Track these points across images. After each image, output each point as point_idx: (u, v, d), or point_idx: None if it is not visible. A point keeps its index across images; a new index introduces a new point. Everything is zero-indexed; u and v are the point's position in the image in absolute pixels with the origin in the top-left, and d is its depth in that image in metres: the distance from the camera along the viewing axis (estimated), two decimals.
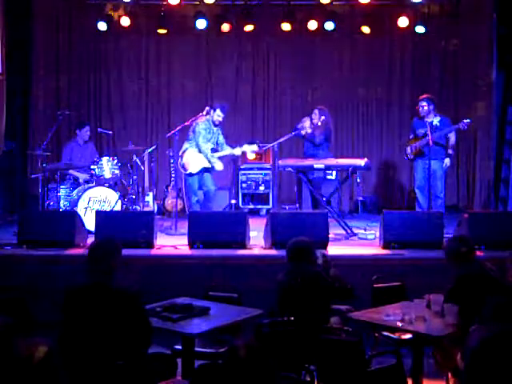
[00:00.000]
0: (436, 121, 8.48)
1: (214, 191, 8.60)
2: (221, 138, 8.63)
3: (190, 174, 8.49)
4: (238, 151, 8.60)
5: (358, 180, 9.26)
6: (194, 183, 8.51)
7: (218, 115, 8.49)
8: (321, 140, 8.78)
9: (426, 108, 8.52)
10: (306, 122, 8.76)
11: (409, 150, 8.72)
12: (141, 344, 4.18)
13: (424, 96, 8.71)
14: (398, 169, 10.92)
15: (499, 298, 3.75)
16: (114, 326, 4.09)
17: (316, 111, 8.79)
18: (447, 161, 8.58)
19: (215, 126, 8.54)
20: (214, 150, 8.56)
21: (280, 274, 5.08)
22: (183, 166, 8.50)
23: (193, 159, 8.46)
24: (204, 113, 8.49)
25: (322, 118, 8.61)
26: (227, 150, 8.60)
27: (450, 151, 8.59)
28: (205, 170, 8.50)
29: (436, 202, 8.44)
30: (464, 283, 4.74)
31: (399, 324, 4.64)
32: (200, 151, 8.43)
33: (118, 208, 8.27)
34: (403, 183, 10.89)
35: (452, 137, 8.59)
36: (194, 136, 8.49)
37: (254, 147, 8.70)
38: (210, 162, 8.45)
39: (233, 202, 9.10)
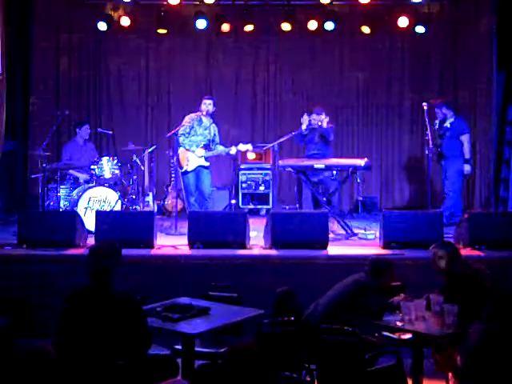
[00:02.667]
0: (447, 123, 8.72)
1: (208, 192, 8.52)
2: (216, 138, 8.60)
3: (186, 172, 8.46)
4: (233, 150, 8.46)
5: (358, 180, 9.26)
6: (190, 182, 8.44)
7: (203, 104, 8.46)
8: (332, 137, 8.79)
9: (439, 114, 8.91)
10: (305, 119, 8.70)
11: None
12: (140, 347, 4.17)
13: (436, 102, 9.04)
14: (398, 169, 10.91)
15: (498, 298, 3.76)
16: (113, 330, 4.09)
17: (314, 115, 8.74)
18: (467, 168, 8.82)
19: (207, 115, 8.45)
20: (206, 147, 8.49)
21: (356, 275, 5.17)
22: (178, 164, 8.48)
23: (187, 157, 8.44)
24: (204, 113, 8.49)
25: (326, 119, 8.59)
26: (219, 150, 8.51)
27: (466, 156, 8.78)
28: (201, 167, 8.46)
29: (446, 198, 8.82)
30: (455, 283, 4.78)
31: (399, 324, 4.65)
32: (179, 143, 8.46)
33: (118, 208, 8.27)
34: (403, 183, 10.88)
35: (465, 140, 8.78)
36: None
37: (249, 146, 8.54)
38: (206, 159, 8.42)
39: (233, 202, 9.09)
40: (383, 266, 5.18)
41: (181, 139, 8.43)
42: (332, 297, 5.08)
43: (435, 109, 8.96)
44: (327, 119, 8.65)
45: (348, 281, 5.15)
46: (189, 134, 8.44)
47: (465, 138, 8.79)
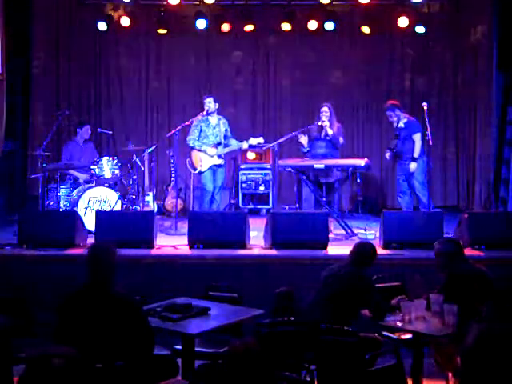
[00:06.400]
0: (401, 123, 8.63)
1: (217, 192, 8.56)
2: (228, 133, 8.64)
3: (200, 173, 8.50)
4: (245, 145, 8.56)
5: (358, 180, 9.25)
6: (206, 181, 8.50)
7: (204, 104, 8.50)
8: (341, 142, 8.78)
9: (394, 117, 8.77)
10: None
11: (388, 153, 8.94)
12: (143, 347, 4.16)
13: (387, 105, 8.93)
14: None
15: (499, 298, 3.76)
16: (112, 330, 4.08)
17: (326, 108, 8.65)
18: (412, 166, 8.62)
19: (212, 114, 8.49)
20: (218, 144, 8.54)
21: (335, 265, 5.24)
22: (191, 166, 8.53)
23: (200, 157, 8.48)
24: (204, 112, 8.51)
25: (335, 125, 8.61)
26: (234, 145, 8.58)
27: (414, 154, 8.63)
28: (215, 166, 8.50)
29: (420, 201, 8.66)
30: (455, 281, 4.79)
31: (399, 324, 4.65)
32: (190, 147, 8.51)
33: (118, 208, 8.27)
34: None
35: (416, 140, 8.63)
36: None
37: (260, 140, 8.58)
38: (219, 157, 8.48)
39: (233, 202, 9.09)
40: (365, 252, 5.23)
41: (191, 143, 8.52)
42: (326, 296, 5.09)
43: (387, 112, 8.85)
44: (336, 125, 8.70)
45: (337, 278, 5.14)
46: (199, 137, 8.50)
47: (416, 137, 8.63)
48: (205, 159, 8.46)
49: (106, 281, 4.21)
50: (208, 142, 8.51)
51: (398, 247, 7.04)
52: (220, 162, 8.51)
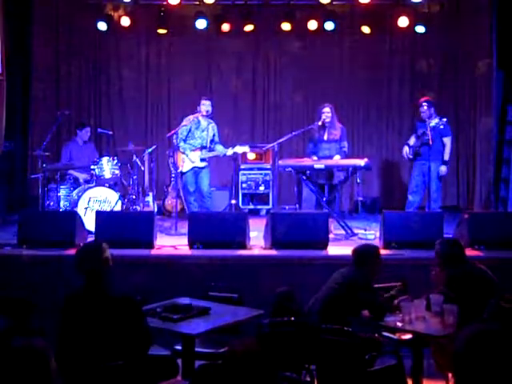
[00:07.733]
0: (434, 122, 8.47)
1: (207, 191, 8.58)
2: (216, 138, 8.64)
3: (181, 173, 8.52)
4: (229, 152, 8.54)
5: (358, 180, 9.26)
6: (188, 181, 8.52)
7: (202, 104, 8.50)
8: (346, 148, 8.76)
9: (427, 112, 8.63)
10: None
11: (407, 149, 8.84)
12: (140, 346, 4.17)
13: (424, 99, 8.86)
14: (398, 169, 10.90)
15: (498, 298, 3.76)
16: (111, 330, 4.08)
17: (328, 109, 8.62)
18: (443, 168, 8.63)
19: (206, 116, 8.49)
20: (202, 148, 8.54)
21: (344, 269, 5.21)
22: (174, 165, 8.55)
23: (182, 158, 8.49)
24: (204, 113, 8.51)
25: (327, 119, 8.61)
26: (219, 150, 8.57)
27: (445, 157, 8.64)
28: (197, 168, 8.50)
29: (428, 202, 8.57)
30: (456, 281, 4.79)
31: (399, 324, 4.65)
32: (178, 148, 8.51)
33: (118, 208, 8.27)
34: (403, 183, 10.87)
35: (448, 142, 8.66)
36: None
37: (246, 148, 8.70)
38: (202, 160, 8.47)
39: (233, 202, 9.09)
40: (366, 253, 5.21)
41: (176, 142, 8.47)
42: (325, 296, 5.10)
43: (422, 106, 8.67)
44: (339, 126, 8.72)
45: (337, 278, 5.15)
46: (187, 137, 8.49)
47: (447, 140, 8.63)
48: (186, 160, 8.47)
49: (101, 280, 4.21)
50: (194, 143, 8.50)
51: (398, 247, 7.03)
52: (202, 164, 8.51)
